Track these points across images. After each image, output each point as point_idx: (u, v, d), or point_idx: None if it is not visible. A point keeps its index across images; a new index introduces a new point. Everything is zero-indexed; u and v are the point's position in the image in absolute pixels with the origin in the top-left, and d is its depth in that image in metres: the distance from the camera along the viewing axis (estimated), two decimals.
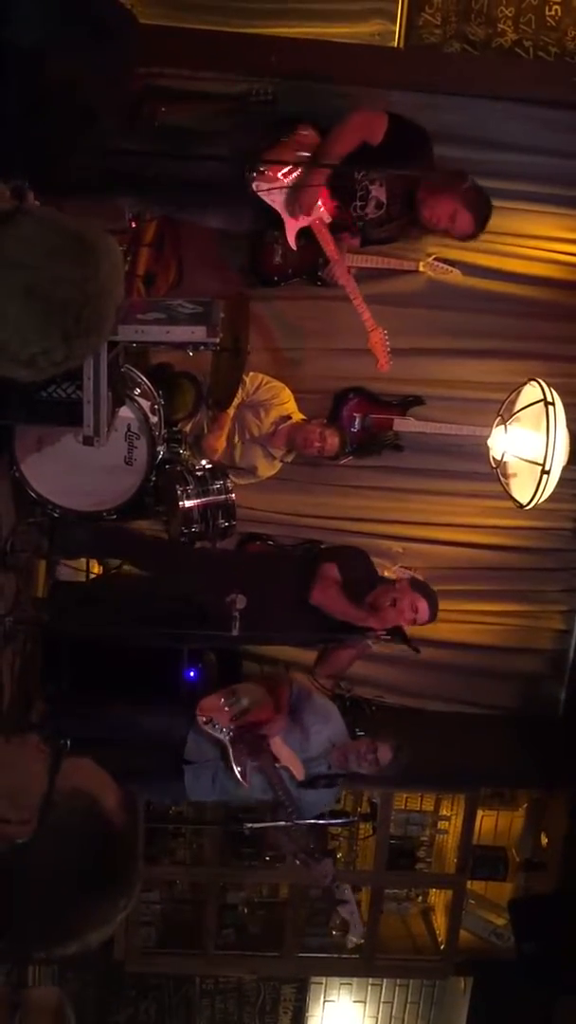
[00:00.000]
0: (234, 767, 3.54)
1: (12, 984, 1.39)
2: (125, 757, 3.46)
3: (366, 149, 3.53)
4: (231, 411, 4.07)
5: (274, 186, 3.58)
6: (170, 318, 3.12)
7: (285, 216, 3.64)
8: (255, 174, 3.53)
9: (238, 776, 3.55)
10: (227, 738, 3.56)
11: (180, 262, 4.01)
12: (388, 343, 3.82)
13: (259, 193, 3.58)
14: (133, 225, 3.74)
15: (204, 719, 3.59)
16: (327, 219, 3.64)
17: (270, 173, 3.55)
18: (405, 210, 3.71)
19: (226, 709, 3.61)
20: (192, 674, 4.15)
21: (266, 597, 3.49)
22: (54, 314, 1.56)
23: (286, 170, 3.56)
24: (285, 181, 3.59)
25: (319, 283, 4.10)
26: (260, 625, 3.38)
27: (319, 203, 3.64)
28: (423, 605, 3.67)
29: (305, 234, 3.71)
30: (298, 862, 3.67)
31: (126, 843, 1.32)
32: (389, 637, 3.73)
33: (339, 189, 3.64)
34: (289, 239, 3.70)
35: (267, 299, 4.18)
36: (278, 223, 3.67)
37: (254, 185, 3.56)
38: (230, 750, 3.55)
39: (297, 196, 3.58)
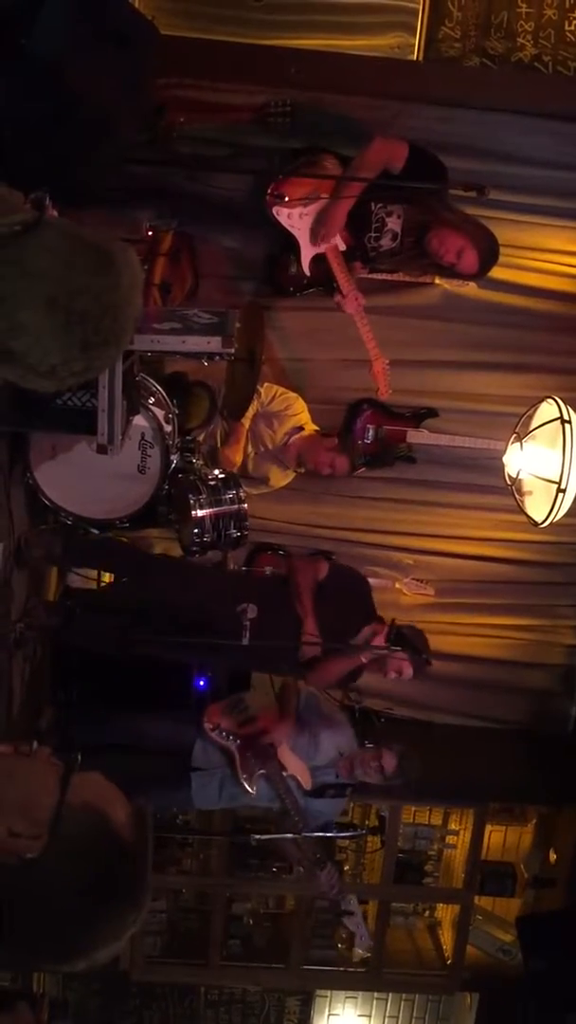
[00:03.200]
0: (240, 774, 3.54)
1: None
2: (133, 764, 3.50)
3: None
4: (247, 423, 4.07)
5: (294, 212, 3.60)
6: (186, 328, 3.13)
7: (302, 242, 3.67)
8: (276, 199, 3.55)
9: (244, 784, 3.54)
10: (234, 745, 3.56)
11: (196, 272, 4.02)
12: (389, 372, 3.83)
13: (279, 218, 3.61)
14: (150, 234, 3.75)
15: (211, 726, 3.59)
16: (342, 247, 3.66)
17: (291, 199, 3.57)
18: (417, 242, 3.72)
19: (233, 716, 3.60)
20: (202, 683, 4.14)
21: (270, 620, 3.48)
22: (74, 325, 1.56)
23: (308, 198, 3.58)
24: (306, 209, 3.61)
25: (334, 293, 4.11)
26: (262, 648, 3.38)
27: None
28: (406, 666, 3.69)
29: (320, 255, 3.74)
30: (302, 870, 3.66)
31: (136, 859, 1.31)
32: (399, 648, 3.72)
33: (354, 219, 3.66)
34: (303, 265, 3.73)
35: (282, 309, 4.18)
36: (292, 247, 3.69)
37: (274, 210, 3.59)
38: (237, 757, 3.55)
39: (323, 219, 3.60)
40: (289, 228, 3.66)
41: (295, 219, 3.64)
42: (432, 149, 3.64)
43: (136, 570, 3.84)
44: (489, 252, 3.69)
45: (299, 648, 3.71)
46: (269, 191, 3.59)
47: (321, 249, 3.67)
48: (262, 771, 3.55)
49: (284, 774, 3.57)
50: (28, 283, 1.53)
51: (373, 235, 3.72)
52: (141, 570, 3.83)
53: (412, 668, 3.69)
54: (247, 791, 3.57)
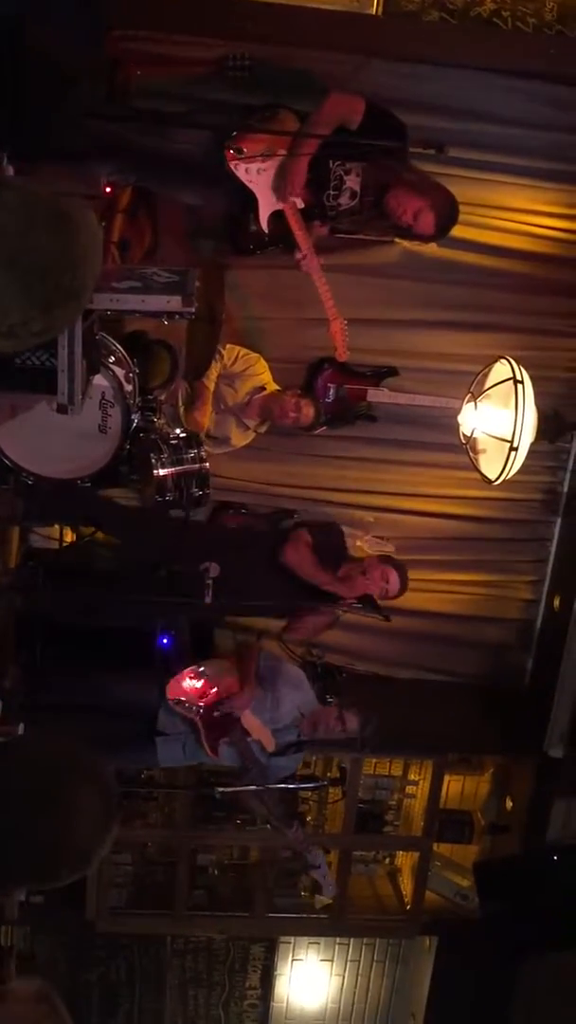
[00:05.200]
0: (204, 744, 3.58)
1: None
2: (98, 723, 3.53)
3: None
4: (211, 385, 4.06)
5: (252, 167, 3.56)
6: (145, 287, 3.10)
7: (260, 198, 3.63)
8: (234, 153, 3.51)
9: (208, 751, 3.59)
10: (197, 716, 3.60)
11: (155, 229, 3.98)
12: (347, 333, 3.79)
13: (236, 172, 3.56)
14: (108, 191, 3.70)
15: (174, 700, 3.62)
16: (300, 205, 3.62)
17: (248, 153, 3.53)
18: (377, 202, 3.70)
19: (194, 688, 3.64)
20: (165, 641, 4.18)
21: (239, 565, 3.52)
22: (33, 284, 1.55)
23: (266, 153, 3.54)
24: (264, 164, 3.57)
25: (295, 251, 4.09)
26: (233, 593, 3.41)
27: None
28: (393, 576, 3.80)
29: (278, 213, 3.70)
30: (270, 827, 3.72)
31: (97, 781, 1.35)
32: (360, 606, 3.78)
33: (313, 177, 3.62)
34: (261, 221, 3.69)
35: (242, 268, 4.16)
36: (251, 203, 3.66)
37: (232, 165, 3.54)
38: (201, 729, 3.59)
39: (284, 174, 3.57)
40: (247, 183, 3.62)
41: (253, 174, 3.60)
42: (391, 105, 3.60)
43: (100, 513, 3.83)
44: (447, 214, 3.67)
45: (274, 605, 3.79)
46: (227, 146, 3.54)
47: (279, 205, 3.64)
48: (226, 739, 3.61)
49: (248, 739, 3.62)
50: None
51: (332, 192, 3.69)
52: (105, 513, 3.83)
53: (398, 580, 3.85)
54: (211, 756, 3.63)
